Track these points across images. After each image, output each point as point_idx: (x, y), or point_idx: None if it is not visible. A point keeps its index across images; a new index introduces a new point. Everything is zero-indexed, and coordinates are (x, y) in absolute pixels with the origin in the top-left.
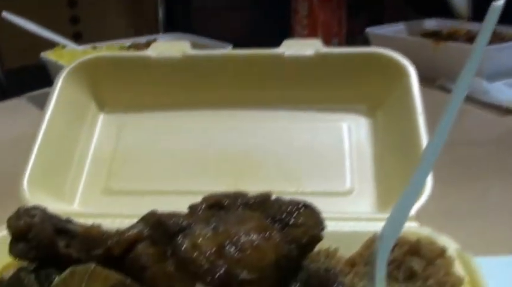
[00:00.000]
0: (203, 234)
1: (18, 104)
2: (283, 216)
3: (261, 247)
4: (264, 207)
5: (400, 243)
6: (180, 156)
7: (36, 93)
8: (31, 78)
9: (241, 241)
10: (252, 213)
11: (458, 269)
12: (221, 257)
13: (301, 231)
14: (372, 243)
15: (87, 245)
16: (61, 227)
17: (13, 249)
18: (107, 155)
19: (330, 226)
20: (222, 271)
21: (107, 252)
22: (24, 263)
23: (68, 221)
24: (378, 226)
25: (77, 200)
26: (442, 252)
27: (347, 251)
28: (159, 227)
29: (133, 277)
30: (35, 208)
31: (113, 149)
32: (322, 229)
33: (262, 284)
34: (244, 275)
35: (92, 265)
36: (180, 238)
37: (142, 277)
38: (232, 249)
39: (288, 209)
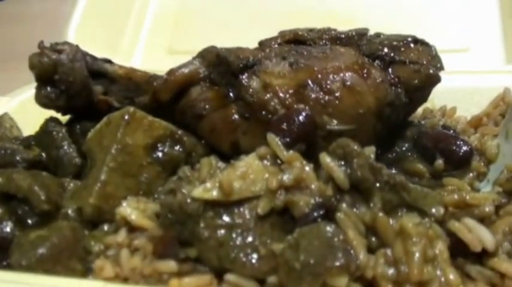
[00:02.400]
0: (277, 71)
1: None
2: (386, 52)
3: (356, 88)
4: (360, 43)
5: None
6: (245, 14)
7: None
8: None
9: (330, 80)
10: (344, 48)
11: None
12: (302, 101)
13: (412, 69)
14: (502, 100)
15: (129, 90)
16: (97, 69)
17: (38, 95)
18: (171, 13)
19: (447, 81)
20: (302, 118)
21: (153, 98)
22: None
23: (106, 60)
24: (507, 80)
25: (135, 58)
26: None
27: (466, 112)
28: (219, 65)
29: (185, 128)
30: (63, 43)
31: (178, 8)
32: (441, 67)
33: (356, 139)
34: (333, 125)
35: (131, 108)
36: (246, 77)
37: (197, 128)
38: (317, 90)
39: (393, 44)
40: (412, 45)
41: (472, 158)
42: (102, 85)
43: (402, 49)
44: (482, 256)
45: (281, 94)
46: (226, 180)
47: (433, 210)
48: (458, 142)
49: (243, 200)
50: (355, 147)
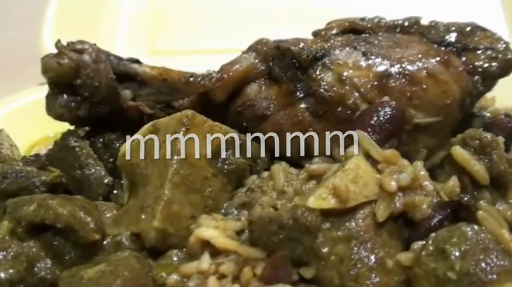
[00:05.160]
0: (352, 62)
1: None
2: (457, 38)
3: (440, 77)
4: (419, 31)
5: None
6: (225, 12)
7: None
8: None
9: (413, 69)
10: (409, 37)
11: None
12: (385, 93)
13: (489, 56)
14: None
15: (162, 93)
16: (124, 70)
17: (52, 105)
18: (147, 12)
19: None
20: (392, 112)
21: (200, 100)
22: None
23: (134, 60)
24: None
25: None
26: None
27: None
28: (281, 58)
29: (244, 132)
30: (80, 41)
31: (155, 7)
32: None
33: (441, 132)
34: (420, 117)
35: (189, 112)
36: (317, 69)
37: (257, 130)
38: (401, 81)
39: (461, 30)
40: (478, 31)
41: None
42: (130, 89)
43: (471, 36)
44: None
45: (361, 87)
46: (341, 185)
47: None
48: None
49: (356, 207)
50: (493, 137)
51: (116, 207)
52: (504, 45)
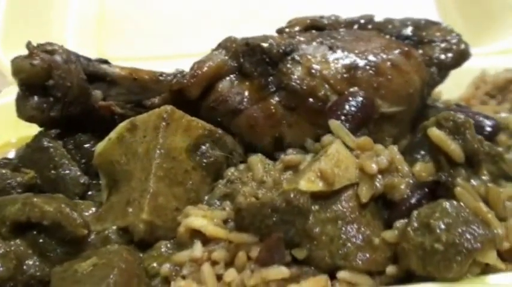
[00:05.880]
0: (320, 55)
1: None
2: (413, 32)
3: (403, 67)
4: (376, 26)
5: None
6: (172, 15)
7: None
8: None
9: (378, 60)
10: (368, 32)
11: None
12: (354, 84)
13: (444, 48)
14: (482, 81)
15: (132, 93)
16: (94, 71)
17: (23, 107)
18: (95, 19)
19: None
20: (363, 101)
21: (172, 97)
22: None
23: (103, 61)
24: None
25: None
26: None
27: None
28: (251, 54)
29: (219, 126)
30: (49, 43)
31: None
32: (467, 44)
33: (404, 120)
34: (386, 107)
35: (168, 107)
36: (287, 64)
37: (233, 124)
38: (368, 72)
39: (417, 24)
40: (431, 25)
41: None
42: (100, 89)
43: (425, 30)
44: None
45: (330, 79)
46: (327, 168)
47: None
48: (482, 118)
49: (340, 191)
50: (466, 118)
51: (94, 205)
52: (457, 37)
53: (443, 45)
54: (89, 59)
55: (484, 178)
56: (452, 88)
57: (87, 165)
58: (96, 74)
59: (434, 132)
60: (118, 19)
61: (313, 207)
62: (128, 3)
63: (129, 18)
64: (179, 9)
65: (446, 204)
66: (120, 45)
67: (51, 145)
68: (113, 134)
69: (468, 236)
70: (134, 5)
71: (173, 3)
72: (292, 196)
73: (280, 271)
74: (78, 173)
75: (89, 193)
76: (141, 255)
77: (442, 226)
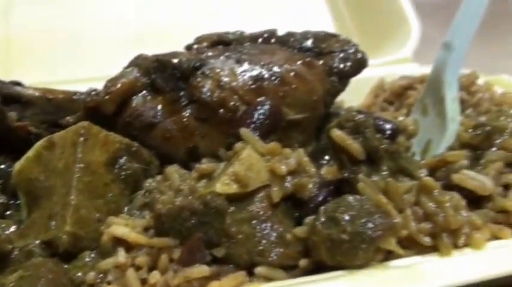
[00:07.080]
0: (228, 69)
1: None
2: (313, 45)
3: (306, 77)
4: (279, 40)
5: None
6: (82, 37)
7: None
8: None
9: (282, 71)
10: (271, 45)
11: None
12: (261, 94)
13: (342, 58)
14: (380, 89)
15: (47, 113)
16: (7, 93)
17: None
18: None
19: None
20: (270, 110)
21: (86, 114)
22: None
23: (15, 83)
24: (374, 73)
25: None
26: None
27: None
28: (162, 70)
29: (135, 140)
30: None
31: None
32: (364, 53)
33: (310, 126)
34: (292, 114)
35: (85, 123)
36: (197, 78)
37: (148, 137)
38: (274, 82)
39: (316, 37)
40: (330, 37)
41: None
42: (15, 111)
43: (325, 41)
44: (477, 202)
45: (239, 90)
46: (240, 171)
47: (421, 173)
48: (382, 122)
49: (253, 192)
50: (366, 117)
51: (14, 223)
52: (354, 47)
53: (342, 55)
54: (2, 82)
55: (383, 173)
56: (354, 98)
57: (4, 185)
58: (10, 96)
59: (336, 133)
60: (25, 43)
61: (229, 208)
62: (33, 27)
63: (37, 42)
64: (87, 32)
65: (351, 198)
66: (29, 70)
67: None
68: (30, 153)
69: (371, 225)
70: (40, 28)
71: (80, 26)
72: (209, 198)
73: (201, 270)
74: None
75: (7, 212)
76: (66, 266)
77: (347, 218)
